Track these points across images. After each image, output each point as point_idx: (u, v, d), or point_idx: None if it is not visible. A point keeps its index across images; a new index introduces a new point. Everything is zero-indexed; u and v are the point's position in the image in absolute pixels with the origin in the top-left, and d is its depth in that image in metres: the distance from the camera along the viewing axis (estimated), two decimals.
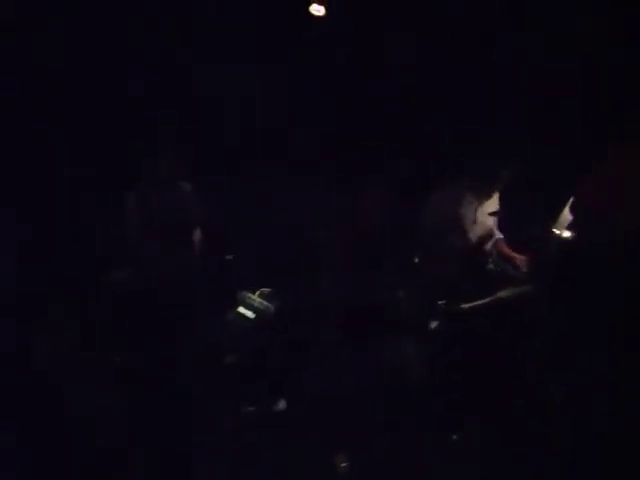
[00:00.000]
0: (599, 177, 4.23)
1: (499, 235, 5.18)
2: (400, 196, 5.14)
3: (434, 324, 4.65)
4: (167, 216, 5.22)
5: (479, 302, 4.54)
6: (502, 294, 4.57)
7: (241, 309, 5.14)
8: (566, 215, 4.58)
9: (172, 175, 5.26)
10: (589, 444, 3.81)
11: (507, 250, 5.13)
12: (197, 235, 5.41)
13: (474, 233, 4.95)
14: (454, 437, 4.22)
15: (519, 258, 5.05)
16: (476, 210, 4.97)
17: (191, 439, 4.16)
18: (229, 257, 5.35)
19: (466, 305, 4.56)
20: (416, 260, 5.03)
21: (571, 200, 4.51)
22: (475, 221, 4.96)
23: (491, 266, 4.92)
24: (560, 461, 3.81)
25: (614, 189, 4.11)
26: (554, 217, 4.67)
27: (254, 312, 5.12)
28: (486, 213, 5.01)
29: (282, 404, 4.69)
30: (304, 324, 4.93)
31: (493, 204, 5.09)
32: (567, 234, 4.55)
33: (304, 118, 6.08)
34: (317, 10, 5.77)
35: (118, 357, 4.79)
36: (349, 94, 6.14)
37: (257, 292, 5.24)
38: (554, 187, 4.85)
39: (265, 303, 5.17)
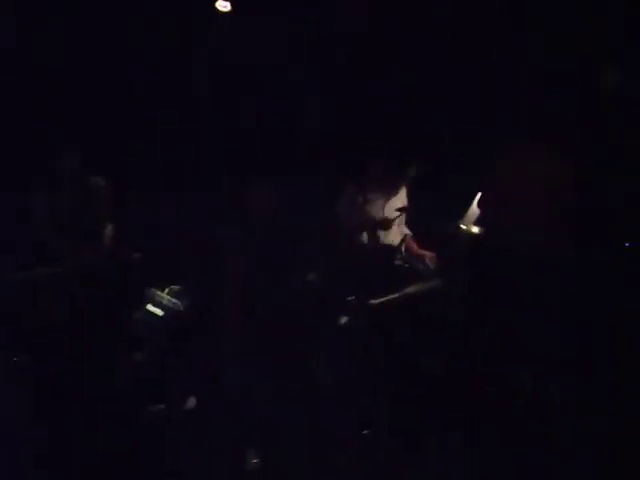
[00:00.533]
0: (505, 172, 4.31)
1: (407, 232, 5.23)
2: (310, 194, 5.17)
3: (343, 320, 4.67)
4: (73, 213, 5.12)
5: (387, 298, 4.58)
6: (410, 290, 4.61)
7: (150, 307, 5.07)
8: (474, 210, 4.65)
9: (77, 172, 5.16)
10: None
11: (415, 247, 5.18)
12: (104, 232, 5.31)
13: (382, 230, 5.00)
14: (364, 433, 4.23)
15: (427, 255, 5.10)
16: (384, 207, 5.01)
17: (102, 437, 4.06)
18: (137, 254, 5.25)
19: (375, 301, 4.59)
20: (324, 257, 5.03)
21: (478, 195, 4.58)
22: (383, 218, 5.01)
23: (399, 262, 4.97)
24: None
25: (520, 184, 4.19)
26: (462, 213, 4.73)
27: (163, 310, 5.05)
28: (394, 209, 5.06)
29: (191, 402, 4.65)
30: (212, 322, 4.89)
31: (401, 200, 5.14)
32: (475, 229, 4.62)
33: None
34: (223, 6, 5.71)
35: (25, 355, 4.67)
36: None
37: (166, 289, 5.17)
38: (461, 182, 4.91)
39: (174, 301, 5.10)
